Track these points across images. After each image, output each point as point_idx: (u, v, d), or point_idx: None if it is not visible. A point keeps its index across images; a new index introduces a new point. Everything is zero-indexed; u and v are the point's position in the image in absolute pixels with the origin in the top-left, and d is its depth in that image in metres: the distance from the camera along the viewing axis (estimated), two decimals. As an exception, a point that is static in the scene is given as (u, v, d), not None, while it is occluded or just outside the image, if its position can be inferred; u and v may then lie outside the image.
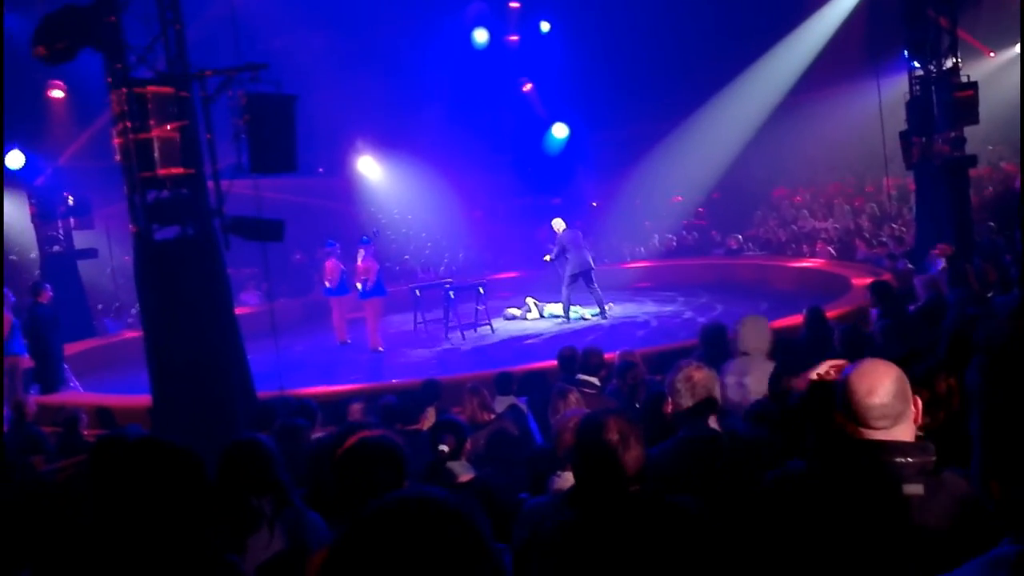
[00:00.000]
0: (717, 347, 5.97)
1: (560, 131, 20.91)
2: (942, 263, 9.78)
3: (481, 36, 20.09)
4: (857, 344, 5.94)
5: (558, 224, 13.60)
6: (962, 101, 10.91)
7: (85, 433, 7.11)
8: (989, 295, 7.42)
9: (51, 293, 11.48)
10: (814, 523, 2.25)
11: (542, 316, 13.84)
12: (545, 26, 20.57)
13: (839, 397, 2.27)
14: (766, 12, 16.52)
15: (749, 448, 3.31)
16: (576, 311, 13.61)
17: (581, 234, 13.42)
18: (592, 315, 13.45)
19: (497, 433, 4.90)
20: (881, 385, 2.21)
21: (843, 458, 2.26)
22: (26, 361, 11.41)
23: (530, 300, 14.25)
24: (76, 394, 10.97)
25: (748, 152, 19.00)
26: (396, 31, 17.33)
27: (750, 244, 18.15)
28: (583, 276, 12.99)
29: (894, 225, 15.63)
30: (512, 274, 17.89)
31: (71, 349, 12.59)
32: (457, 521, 1.29)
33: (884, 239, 15.24)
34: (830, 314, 9.05)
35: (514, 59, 20.77)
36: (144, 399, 7.94)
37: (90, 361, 13.34)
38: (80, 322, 14.29)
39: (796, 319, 8.85)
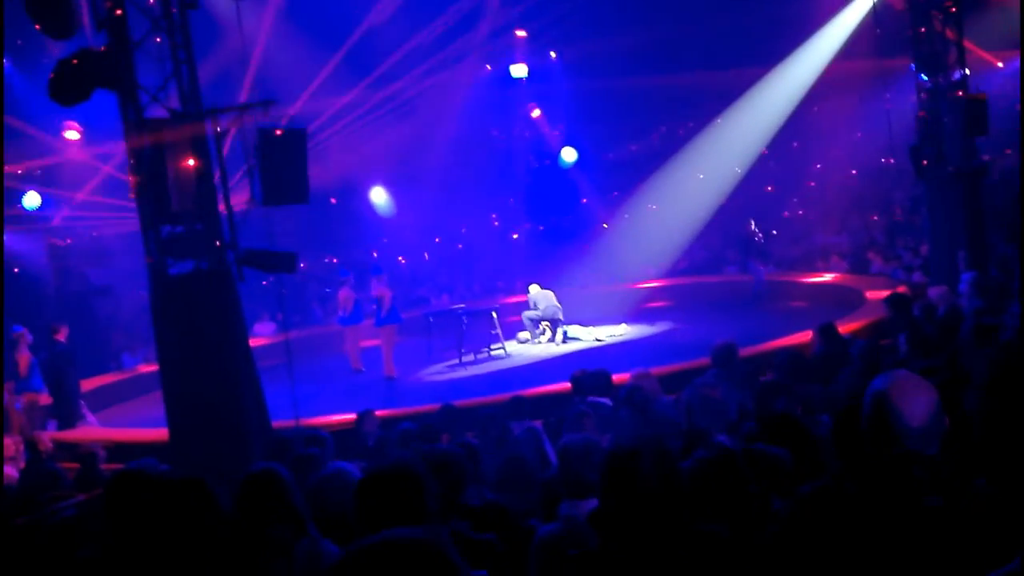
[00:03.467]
0: (728, 366, 5.94)
1: (569, 155, 21.01)
2: (969, 276, 9.71)
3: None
4: (876, 359, 5.90)
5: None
6: (972, 112, 10.89)
7: (103, 468, 7.14)
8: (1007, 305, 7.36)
9: (68, 330, 11.59)
10: (845, 540, 2.23)
11: (553, 340, 13.83)
12: (552, 55, 20.79)
13: (874, 414, 2.24)
14: (772, 30, 16.57)
15: (768, 464, 3.28)
16: (591, 332, 13.64)
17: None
18: (609, 336, 13.52)
19: (511, 457, 4.88)
20: (920, 406, 2.19)
21: (875, 475, 2.24)
22: (44, 398, 11.51)
23: (544, 323, 14.26)
24: (93, 429, 11.02)
25: (757, 168, 19.00)
26: (407, 60, 17.49)
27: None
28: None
29: (908, 238, 15.57)
30: (524, 297, 17.90)
31: (88, 384, 12.67)
32: (433, 560, 1.37)
33: (899, 252, 15.18)
34: (846, 328, 9.02)
35: (522, 86, 20.95)
36: (161, 433, 7.97)
37: (107, 396, 13.42)
38: (98, 357, 14.40)
39: (807, 336, 8.82)
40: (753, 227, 15.63)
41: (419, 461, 2.79)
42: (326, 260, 20.58)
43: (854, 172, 20.02)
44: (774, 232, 18.23)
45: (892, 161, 17.71)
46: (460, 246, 21.53)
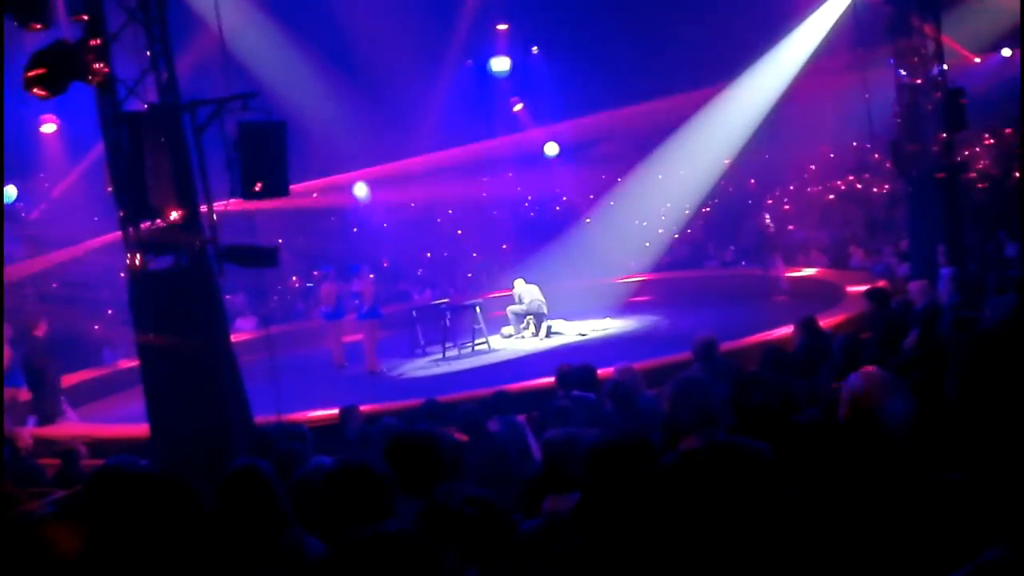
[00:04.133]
0: (709, 360, 5.97)
1: (552, 149, 21.01)
2: (948, 271, 9.80)
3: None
4: (857, 353, 5.94)
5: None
6: (950, 107, 10.98)
7: (83, 464, 7.09)
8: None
9: (47, 326, 11.48)
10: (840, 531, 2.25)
11: (537, 335, 13.82)
12: (534, 49, 20.81)
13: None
14: (753, 24, 16.63)
15: (751, 459, 3.29)
16: (575, 327, 13.68)
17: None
18: (593, 331, 13.56)
19: (492, 452, 4.88)
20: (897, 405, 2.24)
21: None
22: (24, 393, 11.40)
23: (528, 318, 14.26)
24: (73, 425, 10.92)
25: (738, 163, 19.07)
26: (387, 54, 17.41)
27: (743, 255, 18.19)
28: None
29: (888, 233, 15.69)
30: (508, 291, 17.89)
31: (68, 380, 12.55)
32: (417, 556, 1.39)
33: (879, 246, 15.31)
34: (827, 323, 9.08)
35: (503, 80, 20.94)
36: (142, 429, 7.91)
37: (87, 392, 13.30)
38: (79, 353, 14.27)
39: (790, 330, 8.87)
40: (768, 221, 15.53)
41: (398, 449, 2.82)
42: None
43: (834, 164, 20.14)
44: (790, 227, 18.25)
45: (873, 156, 17.87)
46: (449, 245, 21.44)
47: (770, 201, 20.31)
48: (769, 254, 15.15)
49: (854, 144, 18.83)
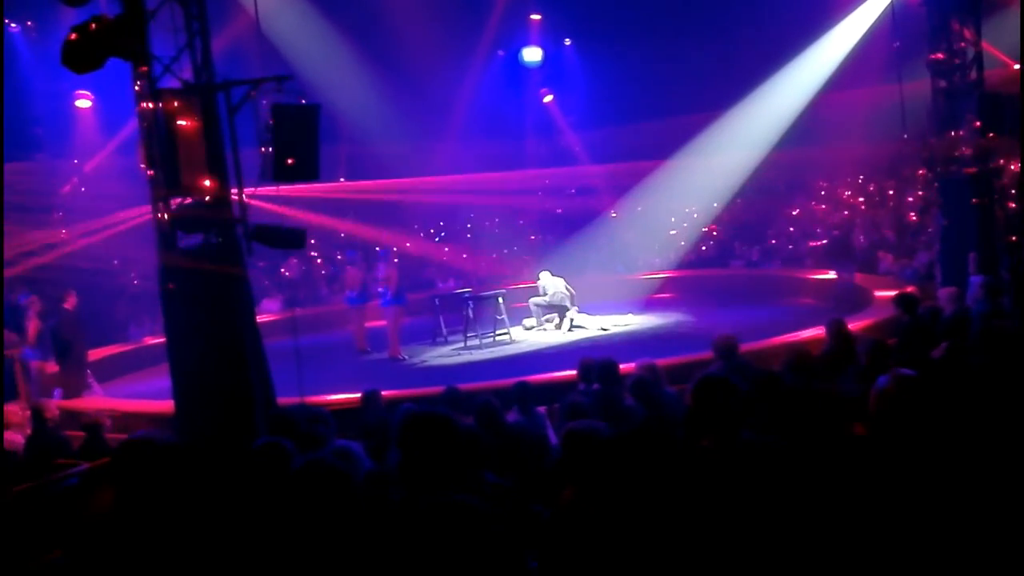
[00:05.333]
0: (730, 358, 5.95)
1: (579, 140, 20.99)
2: (979, 279, 9.65)
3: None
4: (882, 358, 5.88)
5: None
6: (987, 113, 10.80)
7: (108, 438, 7.18)
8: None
9: (76, 299, 11.62)
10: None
11: (559, 328, 13.81)
12: (567, 41, 20.75)
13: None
14: (790, 22, 16.45)
15: (771, 458, 3.28)
16: (597, 321, 13.66)
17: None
18: (615, 326, 13.54)
19: (509, 442, 4.89)
20: None
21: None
22: (51, 366, 11.57)
23: (551, 311, 14.23)
24: (98, 399, 11.06)
25: (768, 163, 18.90)
26: (420, 41, 17.41)
27: (770, 255, 18.05)
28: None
29: (919, 238, 15.49)
30: (531, 283, 17.90)
31: (93, 355, 12.71)
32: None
33: (909, 251, 15.13)
34: (854, 327, 8.99)
35: (535, 70, 20.91)
36: (166, 405, 8.00)
37: (112, 367, 13.47)
38: (105, 329, 14.46)
39: (815, 332, 8.80)
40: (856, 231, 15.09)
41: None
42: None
43: (866, 168, 19.92)
44: (819, 234, 18.02)
45: (906, 161, 17.63)
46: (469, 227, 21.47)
47: (795, 209, 20.16)
48: (844, 261, 14.66)
49: (887, 149, 18.59)
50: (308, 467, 2.37)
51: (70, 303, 11.47)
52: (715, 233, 19.81)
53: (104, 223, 15.51)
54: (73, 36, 6.33)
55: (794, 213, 20.04)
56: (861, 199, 19.30)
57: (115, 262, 16.54)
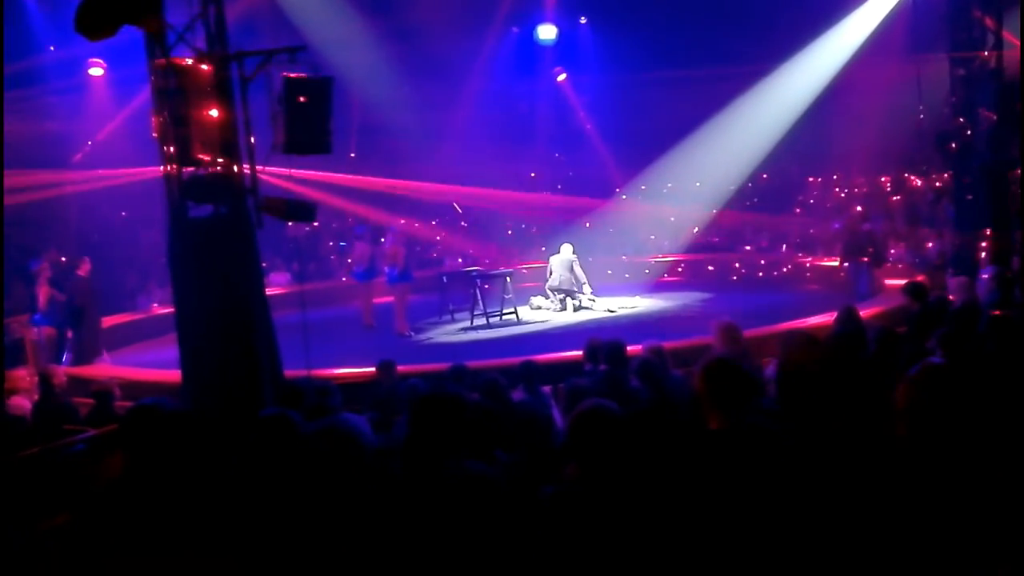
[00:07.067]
0: (733, 344, 5.94)
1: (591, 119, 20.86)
2: (991, 269, 9.60)
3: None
4: (892, 346, 5.85)
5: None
6: (1005, 103, 10.70)
7: (116, 406, 7.22)
8: None
9: (90, 265, 11.67)
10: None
11: (565, 308, 13.80)
12: (582, 20, 20.57)
13: None
14: (808, 4, 16.27)
15: (776, 442, 3.28)
16: (604, 303, 13.66)
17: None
18: (621, 308, 13.53)
19: (513, 420, 4.89)
20: None
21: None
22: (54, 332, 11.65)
23: (559, 291, 14.23)
24: (108, 367, 11.13)
25: (783, 147, 18.76)
26: (434, 17, 17.29)
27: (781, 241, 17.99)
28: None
29: (930, 227, 15.40)
30: (541, 263, 17.87)
31: (102, 323, 12.77)
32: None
33: (920, 239, 15.05)
34: (863, 315, 8.96)
35: (549, 49, 20.75)
36: (173, 375, 8.04)
37: (120, 336, 13.54)
38: (113, 298, 14.52)
39: (825, 319, 8.78)
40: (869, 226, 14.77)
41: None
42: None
43: (880, 155, 19.76)
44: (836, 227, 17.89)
45: (921, 149, 17.47)
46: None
47: (813, 195, 20.03)
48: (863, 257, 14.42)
49: (902, 136, 18.43)
50: (321, 431, 2.37)
51: (84, 270, 11.52)
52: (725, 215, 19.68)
53: (110, 173, 15.50)
54: (87, 3, 6.29)
55: (810, 201, 19.94)
56: (881, 181, 19.15)
57: (123, 213, 16.61)
